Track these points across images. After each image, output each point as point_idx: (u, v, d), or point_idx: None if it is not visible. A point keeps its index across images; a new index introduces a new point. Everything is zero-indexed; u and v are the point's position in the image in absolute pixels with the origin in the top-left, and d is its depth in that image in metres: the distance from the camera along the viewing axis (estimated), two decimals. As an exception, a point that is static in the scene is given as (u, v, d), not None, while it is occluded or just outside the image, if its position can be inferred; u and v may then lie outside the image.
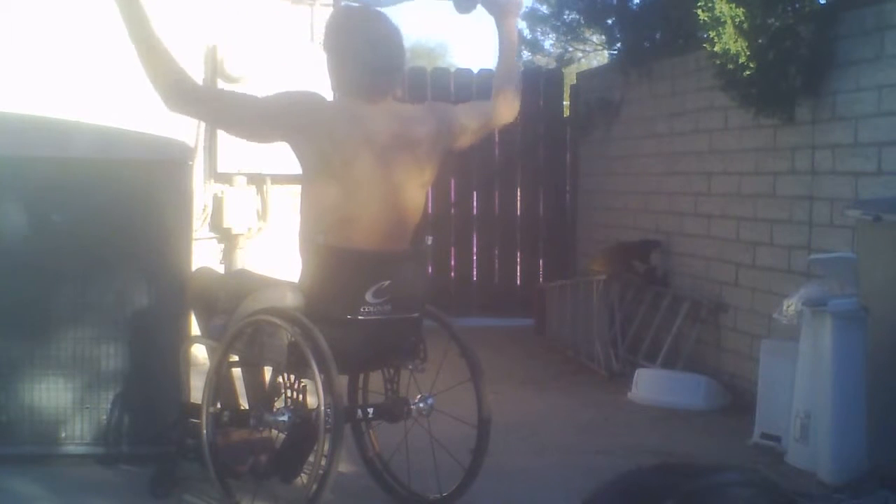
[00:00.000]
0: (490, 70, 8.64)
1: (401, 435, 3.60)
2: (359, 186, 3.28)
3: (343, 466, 3.45)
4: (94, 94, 5.33)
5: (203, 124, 5.72)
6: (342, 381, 3.36)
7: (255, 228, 5.96)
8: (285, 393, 3.29)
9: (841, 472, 3.89)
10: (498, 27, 3.69)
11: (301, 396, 3.25)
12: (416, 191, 3.41)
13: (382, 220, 3.33)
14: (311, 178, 3.34)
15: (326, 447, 3.10)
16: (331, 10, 5.94)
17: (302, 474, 3.41)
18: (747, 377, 5.33)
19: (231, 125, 3.40)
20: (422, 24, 46.34)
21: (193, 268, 3.99)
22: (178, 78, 3.21)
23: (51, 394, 3.98)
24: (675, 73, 6.43)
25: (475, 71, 8.56)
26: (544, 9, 8.15)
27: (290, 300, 3.30)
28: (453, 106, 3.69)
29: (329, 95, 3.50)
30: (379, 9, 3.47)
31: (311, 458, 3.25)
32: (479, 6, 3.58)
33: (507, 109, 3.72)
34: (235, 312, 3.40)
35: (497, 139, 8.56)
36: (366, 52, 3.31)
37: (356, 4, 3.68)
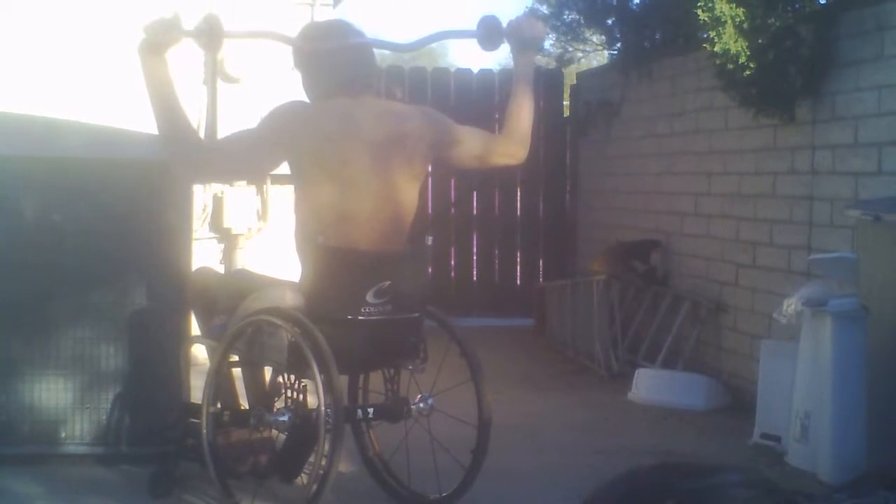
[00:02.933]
0: (490, 70, 8.67)
1: (401, 435, 3.60)
2: (352, 184, 3.30)
3: (343, 466, 3.46)
4: (93, 93, 5.33)
5: (203, 124, 5.72)
6: (342, 381, 3.36)
7: (255, 228, 5.96)
8: (285, 393, 3.29)
9: (841, 472, 3.89)
10: (516, 60, 3.57)
11: (301, 396, 3.25)
12: (408, 185, 3.42)
13: (378, 216, 3.34)
14: (305, 178, 3.36)
15: (326, 447, 3.10)
16: (331, 10, 5.95)
17: (302, 474, 3.41)
18: (747, 377, 5.33)
19: (238, 177, 3.47)
20: (422, 24, 46.35)
21: (193, 268, 3.99)
22: (192, 152, 3.29)
23: (51, 394, 3.98)
24: (675, 73, 6.43)
25: (475, 71, 8.56)
26: (544, 9, 8.14)
27: (291, 300, 3.30)
28: (454, 122, 3.64)
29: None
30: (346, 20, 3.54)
31: (311, 458, 3.25)
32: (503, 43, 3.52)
33: (511, 149, 3.55)
34: (235, 312, 3.40)
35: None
36: (337, 53, 3.39)
37: (320, 20, 3.76)
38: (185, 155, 3.29)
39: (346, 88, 3.37)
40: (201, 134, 5.73)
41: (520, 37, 3.48)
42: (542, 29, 3.60)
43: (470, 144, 3.55)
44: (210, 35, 3.24)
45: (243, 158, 3.37)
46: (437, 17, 44.50)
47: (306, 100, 3.51)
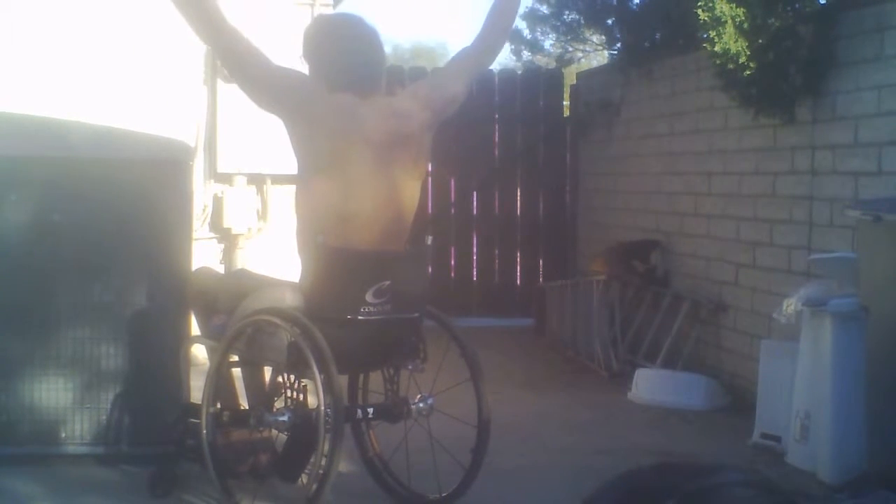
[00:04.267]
0: (490, 70, 8.64)
1: (401, 435, 3.60)
2: (354, 185, 3.29)
3: (343, 466, 3.45)
4: (94, 93, 5.33)
5: (203, 124, 5.72)
6: (342, 381, 3.36)
7: (255, 228, 5.96)
8: (285, 393, 3.29)
9: (841, 472, 3.89)
10: None
11: (301, 396, 3.25)
12: (410, 185, 3.42)
13: (380, 217, 3.34)
14: (308, 176, 3.36)
15: (326, 447, 3.10)
16: (331, 10, 5.94)
17: (302, 474, 3.41)
18: (747, 377, 5.33)
19: (240, 72, 3.37)
20: (422, 23, 46.38)
21: (193, 268, 3.99)
22: (214, 14, 3.24)
23: (51, 394, 3.98)
24: (675, 73, 6.43)
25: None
26: (544, 9, 8.13)
27: (290, 300, 3.30)
28: (436, 78, 3.65)
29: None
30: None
31: (311, 458, 3.25)
32: None
33: (493, 41, 3.65)
34: (235, 312, 3.40)
35: (497, 139, 8.56)
36: (348, 51, 3.37)
37: (332, 12, 3.71)
38: (200, 17, 3.25)
39: (354, 88, 3.35)
40: (201, 134, 5.74)
41: None
42: None
43: (460, 83, 3.56)
44: None
45: (252, 74, 3.34)
46: (436, 17, 44.53)
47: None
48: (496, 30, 3.65)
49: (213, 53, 3.54)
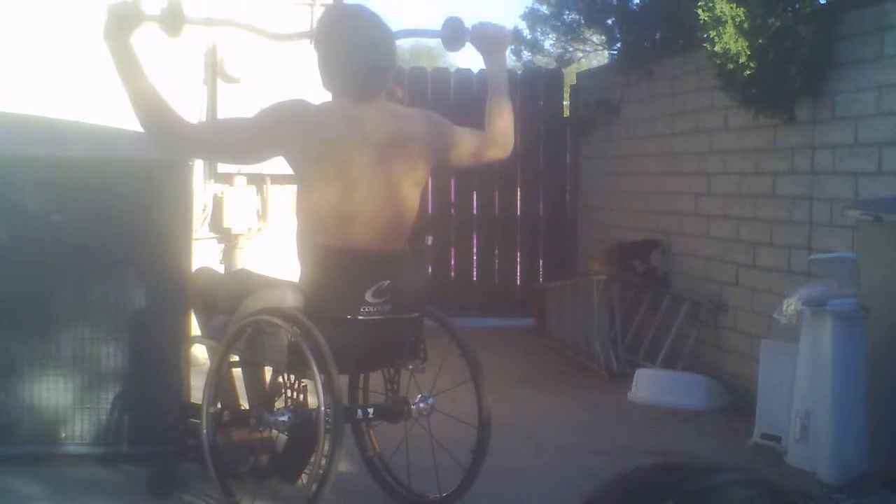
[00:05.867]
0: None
1: (401, 435, 3.60)
2: (354, 185, 3.29)
3: (343, 466, 3.45)
4: (93, 93, 5.33)
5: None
6: (342, 381, 3.36)
7: (255, 228, 5.95)
8: (285, 393, 3.29)
9: (841, 472, 3.89)
10: (486, 63, 3.62)
11: (301, 396, 3.25)
12: (409, 188, 3.42)
13: (379, 217, 3.34)
14: (307, 180, 3.35)
15: (326, 447, 3.10)
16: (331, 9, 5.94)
17: (302, 474, 3.41)
18: (747, 377, 5.33)
19: (225, 157, 3.46)
20: (422, 24, 46.37)
21: (193, 268, 3.99)
22: (171, 127, 3.21)
23: (51, 394, 3.98)
24: (675, 73, 6.43)
25: (475, 71, 8.56)
26: (544, 9, 8.14)
27: (291, 300, 3.30)
28: (451, 124, 3.67)
29: (321, 94, 3.49)
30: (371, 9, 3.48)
31: (311, 459, 3.25)
32: (467, 43, 3.55)
33: (499, 144, 3.65)
34: (236, 312, 3.40)
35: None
36: (356, 52, 3.32)
37: (349, 3, 3.68)
38: (166, 138, 3.23)
39: (360, 93, 3.33)
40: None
41: (483, 39, 3.52)
42: (506, 34, 3.63)
43: (465, 145, 3.59)
44: (171, 19, 3.22)
45: (233, 148, 3.38)
46: (436, 17, 44.52)
47: (311, 89, 3.45)
48: (493, 143, 3.66)
49: (190, 156, 3.57)
